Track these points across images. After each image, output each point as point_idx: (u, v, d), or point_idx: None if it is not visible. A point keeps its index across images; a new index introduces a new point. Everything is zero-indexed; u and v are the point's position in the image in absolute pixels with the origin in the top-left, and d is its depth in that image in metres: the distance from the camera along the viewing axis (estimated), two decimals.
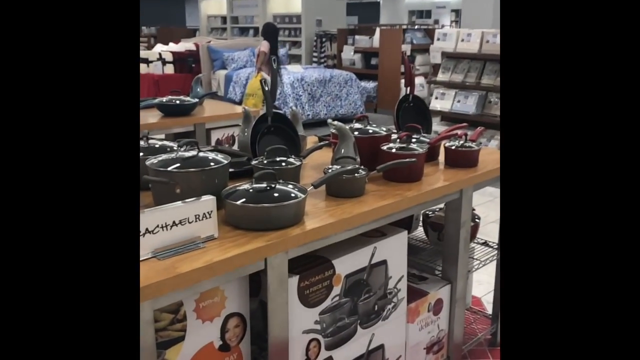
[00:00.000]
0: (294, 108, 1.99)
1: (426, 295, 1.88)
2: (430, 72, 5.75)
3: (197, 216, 1.24)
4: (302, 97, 7.06)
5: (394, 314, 1.74)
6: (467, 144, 1.97)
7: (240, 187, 1.40)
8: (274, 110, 1.79)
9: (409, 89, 2.27)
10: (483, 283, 2.92)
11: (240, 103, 7.50)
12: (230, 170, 1.77)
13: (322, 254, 1.52)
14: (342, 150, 1.74)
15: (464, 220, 1.90)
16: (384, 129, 2.01)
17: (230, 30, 12.15)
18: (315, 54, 10.21)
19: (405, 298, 1.78)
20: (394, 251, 1.70)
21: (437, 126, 5.56)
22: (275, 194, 1.36)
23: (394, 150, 1.76)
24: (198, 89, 3.49)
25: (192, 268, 1.13)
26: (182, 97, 3.19)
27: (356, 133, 1.89)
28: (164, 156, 1.45)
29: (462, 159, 1.95)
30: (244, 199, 1.33)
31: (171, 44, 9.71)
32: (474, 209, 2.27)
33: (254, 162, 1.57)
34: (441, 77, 5.49)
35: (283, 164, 1.58)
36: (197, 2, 13.20)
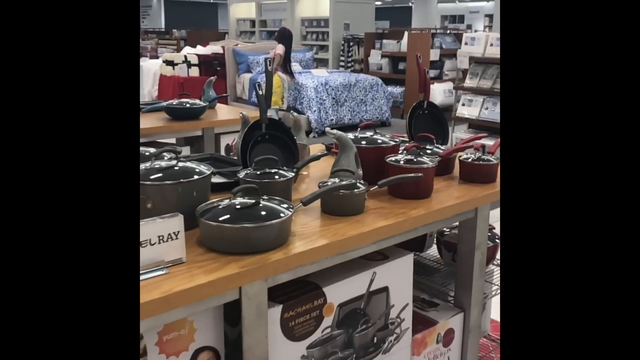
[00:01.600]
0: (295, 114, 1.83)
1: (435, 325, 1.69)
2: (458, 78, 5.51)
3: (161, 237, 1.09)
4: (326, 102, 6.90)
5: (397, 346, 1.56)
6: (484, 157, 1.78)
7: (219, 204, 1.24)
8: (269, 117, 1.63)
9: (423, 95, 2.09)
10: None
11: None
12: (222, 181, 1.63)
13: (312, 279, 1.36)
14: (342, 162, 1.57)
15: (479, 241, 1.70)
16: (396, 139, 1.84)
17: (258, 33, 12.10)
18: (342, 58, 10.07)
19: (410, 328, 1.60)
20: (397, 277, 1.52)
21: (464, 134, 5.33)
22: (257, 212, 1.20)
23: (400, 164, 1.58)
24: (210, 92, 3.37)
25: (147, 299, 0.98)
26: (191, 100, 3.07)
27: (363, 143, 1.72)
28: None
29: (478, 174, 1.75)
30: (219, 218, 1.18)
31: (199, 47, 9.70)
32: (493, 228, 2.07)
33: (240, 174, 1.42)
34: (469, 82, 5.27)
35: (275, 176, 1.42)
36: (227, 6, 13.21)
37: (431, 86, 8.23)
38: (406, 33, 8.60)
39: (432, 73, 8.21)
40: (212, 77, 3.45)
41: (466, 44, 5.30)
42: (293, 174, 1.45)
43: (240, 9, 12.75)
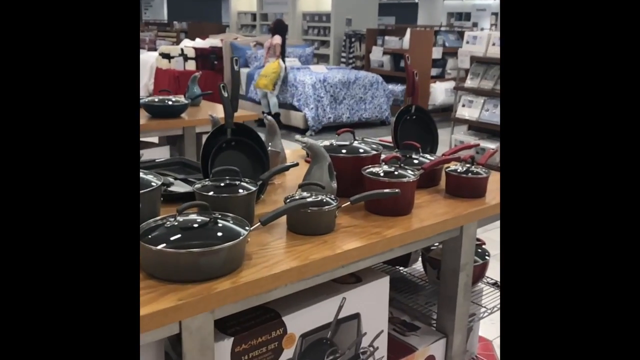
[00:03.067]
0: (269, 118, 1.68)
1: (414, 353, 1.55)
2: (459, 78, 5.35)
3: None
4: (324, 99, 6.74)
5: None
6: (473, 169, 1.63)
7: (167, 221, 1.10)
8: (236, 122, 1.49)
9: (411, 98, 1.94)
10: (496, 322, 2.55)
11: (260, 103, 7.27)
12: (180, 192, 1.48)
13: (272, 305, 1.22)
14: (314, 173, 1.43)
15: (464, 262, 1.56)
16: (383, 144, 1.70)
17: (259, 27, 11.92)
18: (343, 54, 9.89)
19: (386, 357, 1.46)
20: (371, 302, 1.38)
21: (464, 136, 5.18)
22: (205, 234, 1.06)
23: (378, 177, 1.44)
24: (194, 89, 3.23)
25: None
26: (173, 97, 2.93)
27: (343, 152, 1.57)
28: None
29: (465, 188, 1.60)
30: (160, 241, 1.03)
31: (198, 40, 9.54)
32: (483, 243, 1.93)
33: (195, 187, 1.27)
34: (469, 83, 5.10)
35: (235, 190, 1.28)
36: None
37: (432, 85, 8.08)
38: (409, 30, 8.41)
39: (434, 72, 8.04)
40: (196, 73, 3.30)
41: (468, 42, 5.13)
42: (255, 187, 1.30)
43: (242, 1, 12.57)
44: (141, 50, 9.97)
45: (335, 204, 1.30)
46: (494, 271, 2.46)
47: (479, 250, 1.90)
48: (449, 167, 1.67)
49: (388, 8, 24.38)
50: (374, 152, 1.61)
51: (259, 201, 1.48)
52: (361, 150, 1.60)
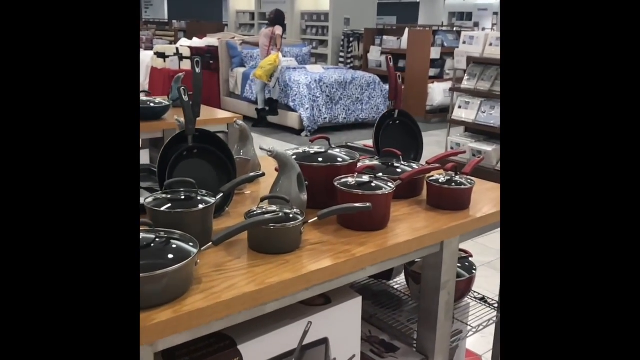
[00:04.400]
0: (240, 122, 1.58)
1: None
2: (455, 78, 5.23)
3: None
4: (319, 99, 6.63)
5: None
6: (456, 179, 1.52)
7: None
8: (197, 128, 1.38)
9: (394, 102, 1.83)
10: (486, 336, 2.44)
11: (256, 102, 7.17)
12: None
13: (227, 332, 1.11)
14: (282, 185, 1.32)
15: (445, 280, 1.45)
16: (358, 153, 1.59)
17: (257, 26, 11.81)
18: (341, 54, 9.78)
19: None
20: (341, 325, 1.27)
21: (460, 138, 5.07)
22: (146, 256, 0.95)
23: (350, 189, 1.33)
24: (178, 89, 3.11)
25: None
26: (154, 99, 2.82)
27: (319, 160, 1.47)
28: None
29: (447, 199, 1.50)
30: None
31: (195, 39, 9.44)
32: (470, 256, 1.82)
33: (145, 200, 1.16)
34: (466, 84, 4.98)
35: (195, 204, 1.17)
36: None
37: (431, 86, 7.98)
38: (407, 30, 8.30)
39: (432, 72, 7.93)
40: (180, 74, 3.19)
41: (465, 42, 5.01)
42: (213, 201, 1.19)
43: (240, 0, 12.46)
44: None
45: (300, 219, 1.19)
46: (486, 280, 2.35)
47: (466, 263, 1.80)
48: (431, 176, 1.56)
49: (389, 7, 24.26)
50: (350, 161, 1.50)
51: (222, 214, 1.38)
52: (338, 159, 1.50)
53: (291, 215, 1.20)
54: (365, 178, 1.39)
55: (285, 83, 6.84)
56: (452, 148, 4.96)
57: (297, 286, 1.08)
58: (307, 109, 6.58)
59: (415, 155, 1.86)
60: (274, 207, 1.24)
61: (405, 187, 1.54)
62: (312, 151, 1.51)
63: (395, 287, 1.93)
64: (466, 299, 1.82)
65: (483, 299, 1.85)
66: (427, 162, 1.68)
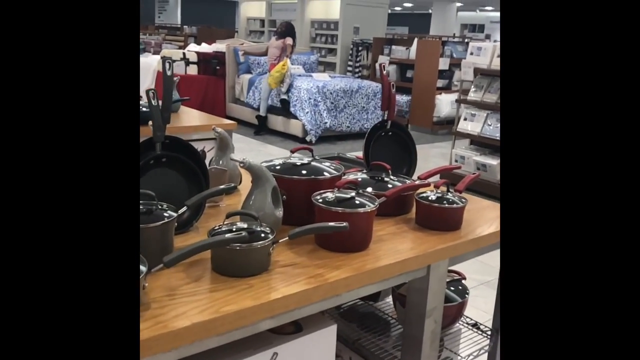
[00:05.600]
0: (219, 130, 1.48)
1: None
2: (462, 90, 5.11)
3: None
4: (320, 105, 6.52)
5: None
6: (448, 197, 1.41)
7: None
8: (168, 135, 1.28)
9: (386, 113, 1.72)
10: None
11: (259, 109, 7.10)
12: None
13: None
14: (255, 199, 1.22)
15: (431, 307, 1.33)
16: (349, 165, 1.48)
17: (267, 33, 11.78)
18: (350, 63, 9.70)
19: None
20: (312, 355, 1.16)
21: (464, 151, 4.94)
22: None
23: (328, 206, 1.22)
24: (173, 94, 3.03)
25: None
26: (144, 103, 2.73)
27: (303, 172, 1.36)
28: None
29: (436, 219, 1.38)
30: None
31: (203, 45, 9.42)
32: (463, 278, 1.70)
33: None
34: (472, 96, 4.87)
35: (153, 219, 1.07)
36: (239, 4, 12.92)
37: (438, 97, 7.87)
38: (416, 40, 8.20)
39: (440, 83, 7.81)
40: (175, 77, 3.11)
41: (472, 53, 4.90)
42: (174, 215, 1.09)
43: (251, 7, 12.44)
44: (146, 54, 9.87)
45: (270, 238, 1.08)
46: (485, 301, 2.23)
47: (459, 287, 1.68)
48: (422, 192, 1.45)
49: (401, 18, 24.25)
50: (334, 174, 1.40)
51: (190, 229, 1.27)
52: (321, 172, 1.39)
53: (261, 234, 1.09)
54: (348, 194, 1.28)
55: (289, 90, 6.77)
56: (456, 161, 4.83)
57: (257, 315, 0.97)
58: (307, 113, 6.49)
59: (407, 170, 1.75)
60: (243, 224, 1.13)
61: (393, 204, 1.43)
62: (294, 163, 1.41)
63: (384, 308, 1.81)
64: (457, 324, 1.70)
65: (475, 325, 1.73)
66: (419, 177, 1.57)
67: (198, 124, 2.90)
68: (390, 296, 1.77)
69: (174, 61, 7.83)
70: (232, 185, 1.25)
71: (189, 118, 3.03)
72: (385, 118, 1.73)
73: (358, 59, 9.58)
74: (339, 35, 9.88)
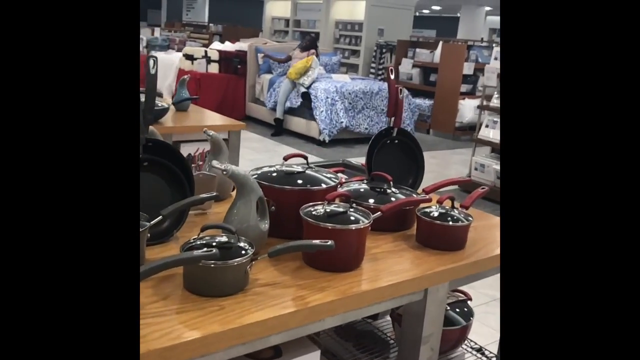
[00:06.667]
0: (211, 132, 1.40)
1: None
2: (484, 95, 4.96)
3: None
4: (337, 104, 6.41)
5: None
6: (452, 214, 1.30)
7: None
8: (151, 138, 1.20)
9: (393, 119, 1.62)
10: None
11: (274, 110, 7.04)
12: None
13: None
14: (239, 210, 1.13)
15: (428, 333, 1.22)
16: (338, 177, 1.38)
17: (291, 33, 11.72)
18: (373, 65, 9.57)
19: None
20: None
21: (485, 159, 4.79)
22: None
23: (317, 221, 1.12)
24: (183, 92, 2.97)
25: None
26: (159, 102, 2.67)
27: (296, 181, 1.27)
28: None
29: (438, 237, 1.27)
30: None
31: (227, 43, 9.40)
32: (469, 299, 1.59)
33: None
34: (495, 102, 4.71)
35: None
36: (264, 3, 12.89)
37: (461, 102, 7.69)
38: (440, 43, 8.04)
39: (464, 88, 7.64)
40: (185, 76, 3.05)
41: (496, 58, 4.74)
42: (146, 226, 1.01)
43: (276, 7, 12.41)
44: (170, 51, 9.90)
45: (248, 255, 0.99)
46: (495, 319, 2.13)
47: (464, 308, 1.57)
48: (424, 207, 1.34)
49: (429, 21, 23.98)
50: (330, 184, 1.30)
51: (170, 239, 1.19)
52: (316, 182, 1.30)
53: (239, 250, 1.00)
54: (341, 207, 1.18)
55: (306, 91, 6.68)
56: (475, 169, 4.68)
57: (224, 342, 0.87)
58: (322, 112, 6.38)
59: (413, 181, 1.64)
60: (222, 238, 1.04)
61: (393, 219, 1.33)
62: (287, 171, 1.32)
63: (384, 327, 1.71)
64: (460, 348, 1.58)
65: (480, 351, 1.61)
66: (424, 190, 1.47)
67: (207, 124, 2.82)
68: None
69: (195, 59, 7.87)
70: (214, 194, 1.16)
71: (199, 117, 2.96)
72: (392, 125, 1.62)
73: (381, 61, 9.45)
74: (363, 37, 9.77)
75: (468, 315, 1.55)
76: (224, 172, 1.10)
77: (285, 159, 1.36)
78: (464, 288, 1.51)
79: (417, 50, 8.58)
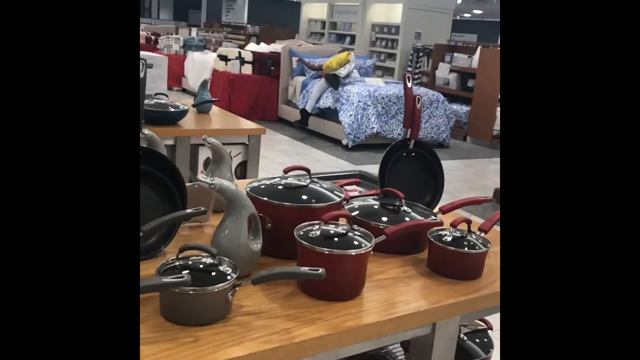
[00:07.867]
0: (211, 140, 1.31)
1: None
2: None
3: None
4: (369, 109, 6.27)
5: None
6: (469, 239, 1.17)
7: None
8: (143, 146, 1.12)
9: (410, 131, 1.50)
10: None
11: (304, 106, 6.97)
12: None
13: None
14: (228, 229, 1.03)
15: None
16: (343, 193, 1.28)
17: (327, 35, 11.64)
18: (409, 69, 9.39)
19: None
20: None
21: None
22: None
23: (312, 244, 1.01)
24: (204, 94, 2.91)
25: None
26: (170, 102, 2.61)
27: (304, 197, 1.18)
28: None
29: (451, 265, 1.15)
30: None
31: (262, 44, 9.40)
32: (489, 328, 1.46)
33: None
34: None
35: None
36: (301, 5, 12.86)
37: (499, 109, 7.41)
38: (479, 48, 7.81)
39: None
40: (207, 77, 2.99)
41: None
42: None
43: (313, 9, 12.35)
44: (206, 51, 9.97)
45: (229, 280, 0.89)
46: None
47: (485, 339, 1.44)
48: (438, 230, 1.22)
49: (470, 25, 23.56)
50: (334, 200, 1.19)
51: (157, 255, 1.10)
52: (319, 198, 1.19)
53: (221, 275, 0.90)
54: (340, 228, 1.07)
55: (339, 93, 6.57)
56: None
57: None
58: (351, 116, 6.25)
59: (431, 198, 1.52)
60: (207, 260, 0.95)
61: (403, 241, 1.21)
62: (287, 185, 1.22)
63: (396, 352, 1.59)
64: None
65: None
66: (440, 209, 1.34)
67: (226, 127, 2.75)
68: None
69: (229, 60, 7.87)
70: (201, 209, 1.06)
71: (218, 120, 2.89)
72: (408, 136, 1.50)
73: (418, 65, 9.26)
74: (399, 40, 9.61)
75: (488, 346, 1.42)
76: (212, 187, 1.01)
77: (286, 171, 1.26)
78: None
79: (455, 54, 8.37)
